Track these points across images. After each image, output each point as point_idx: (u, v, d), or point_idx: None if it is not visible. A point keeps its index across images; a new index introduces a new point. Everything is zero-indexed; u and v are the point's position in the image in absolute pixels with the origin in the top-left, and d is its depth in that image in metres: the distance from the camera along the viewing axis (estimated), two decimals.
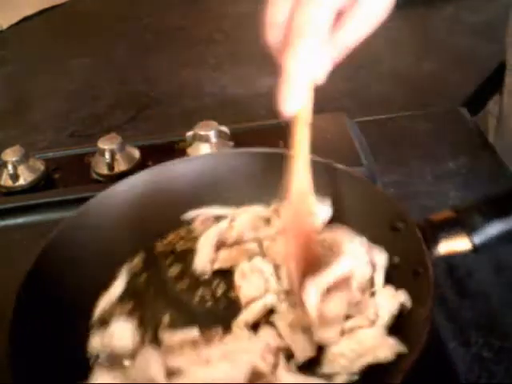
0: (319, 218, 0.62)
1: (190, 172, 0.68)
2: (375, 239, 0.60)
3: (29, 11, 1.38)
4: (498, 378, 0.57)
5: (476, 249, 0.53)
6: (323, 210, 0.64)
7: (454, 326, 0.61)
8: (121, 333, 0.54)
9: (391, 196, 0.60)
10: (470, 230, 0.53)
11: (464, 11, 0.80)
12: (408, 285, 0.54)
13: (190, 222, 0.68)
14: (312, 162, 0.57)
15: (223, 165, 0.69)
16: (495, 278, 0.65)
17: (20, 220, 0.77)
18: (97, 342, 0.55)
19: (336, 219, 0.63)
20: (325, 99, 1.04)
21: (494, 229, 0.53)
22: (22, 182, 0.82)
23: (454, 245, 0.53)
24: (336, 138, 0.70)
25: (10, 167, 0.81)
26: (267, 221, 0.67)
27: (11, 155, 0.81)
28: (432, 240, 0.54)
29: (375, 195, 0.61)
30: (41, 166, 0.84)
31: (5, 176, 0.82)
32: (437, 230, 0.54)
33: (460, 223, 0.54)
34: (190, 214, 0.68)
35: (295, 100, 0.49)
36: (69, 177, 0.83)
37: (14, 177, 0.81)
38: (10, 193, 0.81)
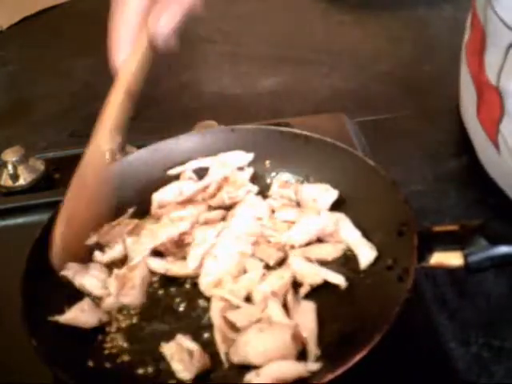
0: (325, 201, 0.67)
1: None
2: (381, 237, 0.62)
3: (29, 11, 1.38)
4: (498, 378, 0.57)
5: (469, 268, 0.53)
6: (330, 193, 0.67)
7: (454, 326, 0.61)
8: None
9: (405, 198, 0.60)
10: (467, 248, 0.52)
11: (464, 11, 0.80)
12: (393, 288, 0.55)
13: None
14: (337, 147, 0.67)
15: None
16: (495, 278, 0.65)
17: (20, 220, 0.77)
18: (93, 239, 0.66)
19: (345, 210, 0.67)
20: (325, 99, 1.05)
21: (491, 253, 0.52)
22: (22, 181, 0.82)
23: (447, 259, 0.53)
24: (336, 138, 0.70)
25: (10, 167, 0.81)
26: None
27: (11, 155, 0.81)
28: (426, 249, 0.54)
29: (392, 195, 0.62)
30: (41, 166, 0.83)
31: (5, 176, 0.82)
32: (434, 241, 0.54)
33: (459, 240, 0.53)
34: (175, 170, 0.73)
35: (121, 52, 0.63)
36: (69, 177, 0.82)
37: (14, 177, 0.81)
38: (10, 193, 0.81)
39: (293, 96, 0.98)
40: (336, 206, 0.67)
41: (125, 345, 0.58)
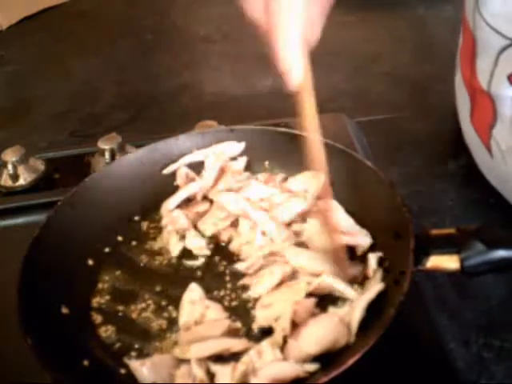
0: (315, 187, 0.68)
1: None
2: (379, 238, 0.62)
3: (29, 11, 1.38)
4: (498, 378, 0.57)
5: (465, 272, 0.53)
6: (317, 178, 0.67)
7: (454, 326, 0.61)
8: None
9: (402, 201, 0.60)
10: (463, 252, 0.52)
11: (464, 11, 0.80)
12: (389, 290, 0.55)
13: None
14: (336, 148, 0.67)
15: None
16: (495, 279, 0.65)
17: (20, 220, 0.77)
18: None
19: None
20: (325, 99, 1.04)
21: (487, 258, 0.52)
22: (22, 181, 0.82)
23: (443, 262, 0.53)
24: (336, 138, 0.70)
25: (10, 167, 0.81)
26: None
27: (11, 155, 0.81)
28: (423, 252, 0.54)
29: (389, 197, 0.62)
30: (41, 166, 0.84)
31: (5, 176, 0.82)
32: (431, 244, 0.54)
33: (456, 243, 0.53)
34: (170, 168, 0.73)
35: (298, 64, 0.54)
36: (69, 177, 0.83)
37: (14, 177, 0.81)
38: (10, 193, 0.81)
39: (293, 96, 0.98)
40: None
41: (121, 345, 0.58)
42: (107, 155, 0.80)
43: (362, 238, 0.62)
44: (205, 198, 0.72)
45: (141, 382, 0.54)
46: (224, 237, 0.67)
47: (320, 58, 1.11)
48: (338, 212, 0.65)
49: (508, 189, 0.71)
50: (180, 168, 0.73)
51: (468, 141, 0.78)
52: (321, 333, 0.53)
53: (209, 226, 0.68)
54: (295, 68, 0.54)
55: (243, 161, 0.73)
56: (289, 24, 0.53)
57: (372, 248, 0.62)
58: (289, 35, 0.53)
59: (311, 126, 0.59)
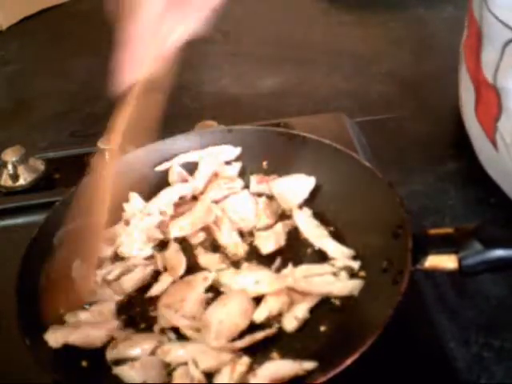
0: (303, 191, 0.68)
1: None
2: (376, 239, 0.61)
3: (29, 11, 1.38)
4: (498, 378, 0.57)
5: (463, 272, 0.53)
6: (306, 182, 0.69)
7: (454, 325, 0.61)
8: None
9: (401, 201, 0.60)
10: (461, 252, 0.52)
11: (464, 11, 0.80)
12: (388, 290, 0.54)
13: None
14: (334, 148, 0.68)
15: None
16: (495, 278, 0.65)
17: (20, 220, 0.77)
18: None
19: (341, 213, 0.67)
20: (325, 99, 1.05)
21: (485, 257, 0.52)
22: (22, 181, 0.82)
23: (441, 262, 0.53)
24: (336, 138, 0.70)
25: (10, 167, 0.81)
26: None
27: (11, 155, 0.81)
28: (421, 252, 0.54)
29: (388, 197, 0.62)
30: (41, 166, 0.84)
31: (5, 176, 0.82)
32: (429, 244, 0.54)
33: (454, 243, 0.53)
34: (163, 166, 0.74)
35: (138, 69, 0.53)
36: (69, 177, 0.83)
37: (14, 177, 0.81)
38: (10, 193, 0.81)
39: (293, 96, 0.98)
40: (332, 207, 0.68)
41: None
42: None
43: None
44: (194, 198, 0.72)
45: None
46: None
47: (320, 57, 1.11)
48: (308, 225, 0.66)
49: None
50: (173, 166, 0.73)
51: (472, 136, 0.78)
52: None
53: (175, 228, 0.68)
54: (131, 68, 0.53)
55: (237, 166, 0.73)
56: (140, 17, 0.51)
57: (370, 248, 0.62)
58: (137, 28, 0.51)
59: (115, 140, 0.57)
